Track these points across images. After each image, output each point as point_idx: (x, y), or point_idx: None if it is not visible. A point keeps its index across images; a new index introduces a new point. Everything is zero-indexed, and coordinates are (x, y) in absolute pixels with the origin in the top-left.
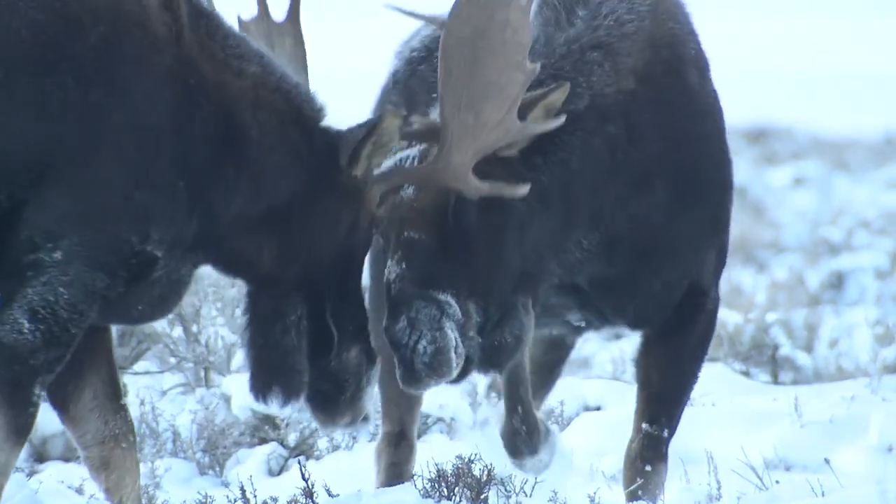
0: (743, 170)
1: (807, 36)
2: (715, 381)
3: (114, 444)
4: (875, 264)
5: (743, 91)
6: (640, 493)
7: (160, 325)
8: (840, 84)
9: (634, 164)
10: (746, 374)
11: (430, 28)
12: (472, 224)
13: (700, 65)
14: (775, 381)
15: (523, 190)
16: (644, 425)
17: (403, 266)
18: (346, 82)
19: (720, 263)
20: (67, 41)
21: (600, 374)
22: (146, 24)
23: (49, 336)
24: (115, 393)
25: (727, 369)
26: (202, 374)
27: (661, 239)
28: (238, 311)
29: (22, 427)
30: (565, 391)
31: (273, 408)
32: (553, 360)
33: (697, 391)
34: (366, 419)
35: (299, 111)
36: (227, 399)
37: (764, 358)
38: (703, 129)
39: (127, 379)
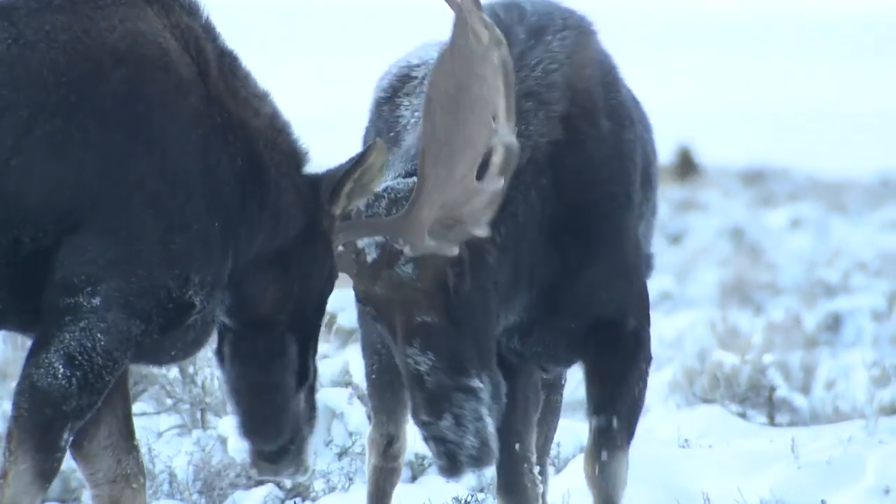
0: (739, 211)
1: (804, 77)
2: (711, 422)
3: (125, 484)
4: (872, 306)
5: (740, 132)
6: (598, 479)
7: None
8: (836, 125)
9: (557, 214)
10: (743, 415)
11: (397, 66)
12: (469, 295)
13: (616, 113)
14: (772, 422)
15: (454, 251)
16: (592, 421)
17: (430, 356)
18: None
19: (638, 300)
20: (89, 83)
21: None
22: (168, 66)
23: (83, 382)
24: (128, 432)
25: (724, 411)
26: (198, 415)
27: (572, 288)
28: None
29: (48, 472)
30: (561, 433)
31: (270, 447)
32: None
33: (694, 432)
34: (307, 471)
35: (295, 152)
36: (223, 440)
37: (761, 399)
38: (609, 175)
39: None
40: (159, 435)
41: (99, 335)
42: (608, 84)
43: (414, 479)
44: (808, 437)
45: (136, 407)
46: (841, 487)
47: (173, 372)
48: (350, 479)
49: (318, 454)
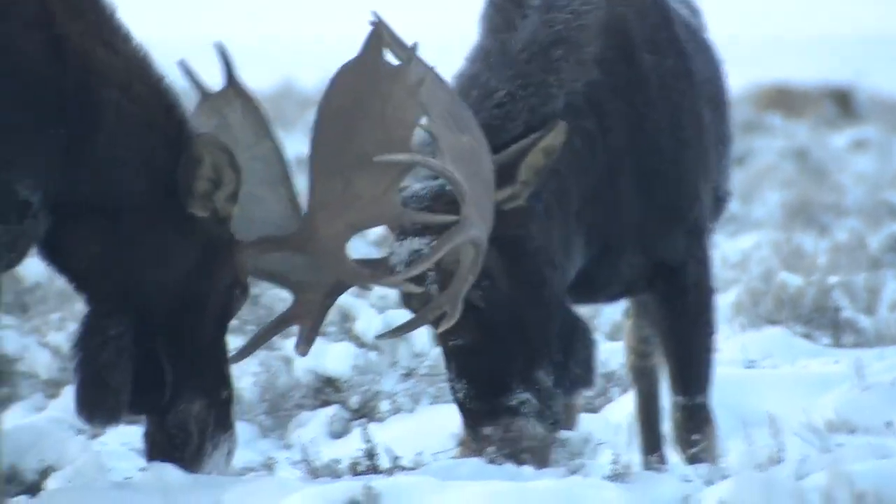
0: (803, 133)
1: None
2: (776, 344)
3: None
4: None
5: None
6: (700, 455)
7: None
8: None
9: (606, 156)
10: (808, 336)
11: None
12: (512, 298)
13: (663, 47)
14: (837, 343)
15: (396, 280)
16: (678, 398)
17: (464, 383)
18: None
19: (694, 238)
20: None
21: None
22: None
23: None
24: None
25: (788, 332)
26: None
27: (627, 228)
28: None
29: None
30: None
31: (94, 427)
32: None
33: (759, 353)
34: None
35: (178, 131)
36: (288, 362)
37: (825, 321)
38: (657, 116)
39: None
40: None
41: None
42: (650, 17)
43: None
44: (873, 357)
45: None
46: None
47: None
48: (416, 401)
49: (384, 375)
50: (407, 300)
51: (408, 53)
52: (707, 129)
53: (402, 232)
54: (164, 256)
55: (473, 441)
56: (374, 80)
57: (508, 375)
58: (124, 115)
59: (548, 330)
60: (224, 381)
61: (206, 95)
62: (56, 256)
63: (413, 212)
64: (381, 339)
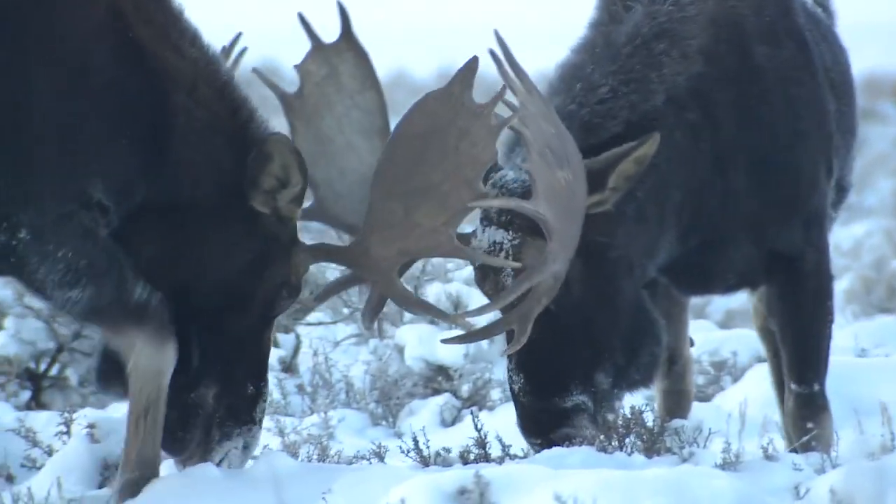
0: None
1: None
2: (888, 332)
3: None
4: None
5: None
6: (812, 444)
7: (334, 275)
8: None
9: (712, 148)
10: None
11: None
12: (583, 303)
13: (779, 37)
14: None
15: (450, 318)
16: (793, 386)
17: (522, 378)
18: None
19: (813, 226)
20: None
21: None
22: None
23: (93, 280)
24: None
25: None
26: (375, 324)
27: (738, 219)
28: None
29: (159, 331)
30: (739, 342)
31: (115, 399)
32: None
33: (871, 342)
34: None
35: (243, 132)
36: (400, 350)
37: None
38: (773, 107)
39: (300, 330)
40: (336, 344)
41: (59, 254)
42: (768, 8)
43: None
44: None
45: (313, 317)
46: None
47: None
48: None
49: (495, 363)
50: (482, 284)
51: (523, 85)
52: (830, 119)
53: (485, 217)
54: (223, 254)
55: (524, 434)
56: (455, 113)
57: (568, 377)
58: (191, 118)
59: (614, 336)
60: (255, 376)
61: (318, 45)
62: None
63: (473, 251)
64: (446, 343)
